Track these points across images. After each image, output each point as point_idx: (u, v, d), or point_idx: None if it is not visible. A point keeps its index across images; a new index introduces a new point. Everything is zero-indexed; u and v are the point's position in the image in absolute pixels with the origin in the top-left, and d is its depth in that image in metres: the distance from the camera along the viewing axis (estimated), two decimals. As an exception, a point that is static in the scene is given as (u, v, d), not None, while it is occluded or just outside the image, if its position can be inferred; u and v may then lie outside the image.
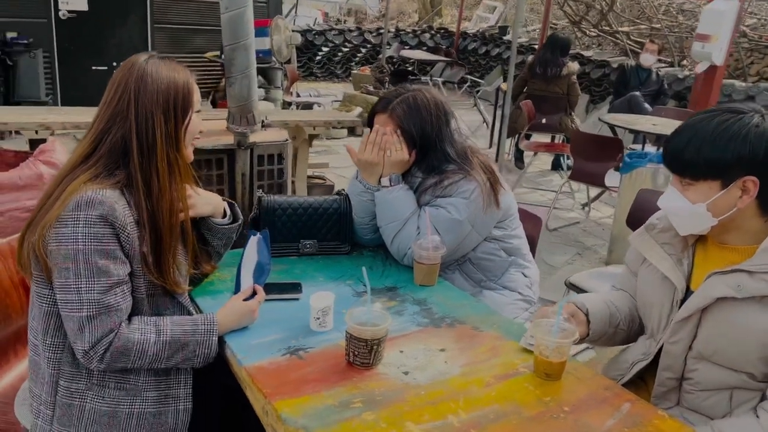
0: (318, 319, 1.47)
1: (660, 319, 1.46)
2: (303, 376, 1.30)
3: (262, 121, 2.86)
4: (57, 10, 6.27)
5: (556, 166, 6.35)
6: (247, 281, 1.53)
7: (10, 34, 5.81)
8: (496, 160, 6.18)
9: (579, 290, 2.57)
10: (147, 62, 1.42)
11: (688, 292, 1.41)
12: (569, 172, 4.78)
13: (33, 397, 1.45)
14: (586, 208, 5.16)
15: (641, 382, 1.56)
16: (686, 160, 1.30)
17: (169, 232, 1.41)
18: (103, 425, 1.39)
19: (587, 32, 10.56)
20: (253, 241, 1.61)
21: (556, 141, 6.20)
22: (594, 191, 5.10)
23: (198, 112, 1.49)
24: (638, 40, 9.47)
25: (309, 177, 3.88)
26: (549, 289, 3.62)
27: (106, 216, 1.31)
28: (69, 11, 6.33)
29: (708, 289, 1.32)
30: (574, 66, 5.89)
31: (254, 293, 1.52)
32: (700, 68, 3.97)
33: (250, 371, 1.31)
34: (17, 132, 4.34)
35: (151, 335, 1.36)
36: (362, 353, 1.33)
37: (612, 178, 4.27)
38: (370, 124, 1.96)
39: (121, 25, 6.78)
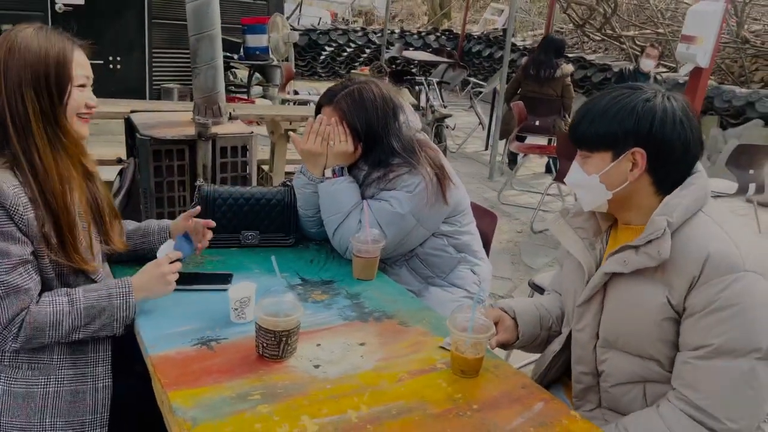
0: (236, 309, 1.44)
1: (573, 305, 1.42)
2: (207, 367, 1.27)
3: (230, 114, 2.84)
4: (53, 3, 6.30)
5: (549, 169, 6.28)
6: (163, 252, 1.52)
7: (5, 27, 5.82)
8: (489, 162, 6.13)
9: (542, 291, 2.52)
10: (18, 34, 1.33)
11: None
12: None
13: None
14: (575, 212, 5.09)
15: (568, 380, 1.52)
16: (582, 132, 1.31)
17: (65, 211, 1.35)
18: (19, 407, 1.35)
19: (591, 36, 10.48)
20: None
21: (552, 144, 6.13)
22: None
23: (82, 86, 1.40)
24: (643, 45, 9.37)
25: (288, 173, 3.85)
26: (525, 292, 3.56)
27: None
28: (65, 5, 6.35)
29: (602, 268, 1.32)
30: (568, 68, 5.81)
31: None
32: (684, 70, 3.89)
33: (154, 360, 1.28)
34: None
35: (63, 306, 1.33)
36: (271, 345, 1.29)
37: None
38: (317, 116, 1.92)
39: (119, 20, 6.80)
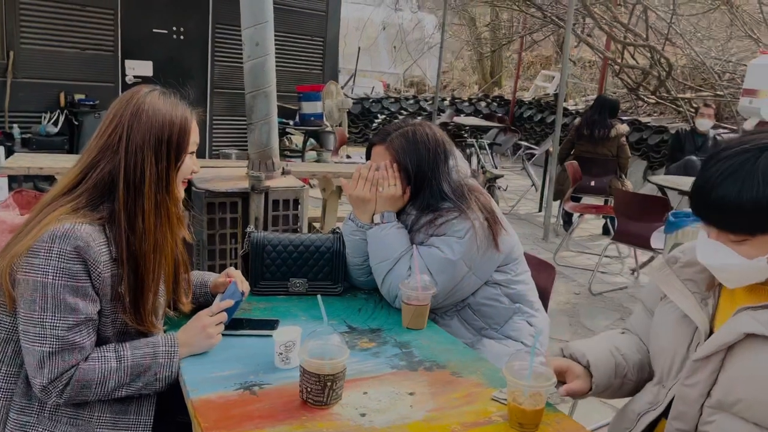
0: (281, 354, 1.38)
1: (672, 362, 1.28)
2: (249, 412, 1.20)
3: (283, 169, 2.87)
4: (124, 75, 6.71)
5: (607, 230, 6.09)
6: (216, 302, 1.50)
7: (78, 96, 6.22)
8: (544, 223, 6.00)
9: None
10: (146, 96, 1.37)
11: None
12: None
13: None
14: (635, 274, 4.87)
15: None
16: (740, 214, 1.09)
17: (152, 273, 1.36)
18: None
19: (645, 99, 10.36)
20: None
21: (609, 204, 5.97)
22: (644, 255, 4.82)
23: (192, 153, 1.44)
24: (698, 106, 9.20)
25: (338, 230, 3.84)
26: (585, 354, 3.37)
27: (80, 251, 1.25)
28: (135, 76, 6.76)
29: (736, 324, 1.16)
30: (623, 127, 5.72)
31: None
32: (749, 125, 3.76)
33: (196, 404, 1.22)
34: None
35: (111, 362, 1.31)
36: (315, 390, 1.22)
37: (658, 239, 4.02)
38: (368, 156, 1.91)
39: (183, 89, 7.16)
